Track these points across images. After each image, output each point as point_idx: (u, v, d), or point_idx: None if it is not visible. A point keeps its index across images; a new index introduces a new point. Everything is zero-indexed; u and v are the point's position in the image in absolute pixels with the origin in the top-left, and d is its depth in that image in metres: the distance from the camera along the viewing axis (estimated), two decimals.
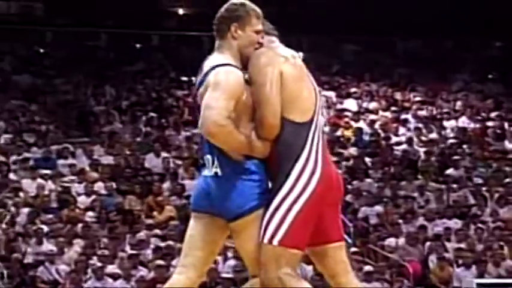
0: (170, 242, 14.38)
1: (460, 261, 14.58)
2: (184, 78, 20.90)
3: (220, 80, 4.33)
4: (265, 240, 4.26)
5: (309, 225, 4.30)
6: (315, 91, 4.36)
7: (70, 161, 16.47)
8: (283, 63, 4.27)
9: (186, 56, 21.44)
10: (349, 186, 16.76)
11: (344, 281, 4.44)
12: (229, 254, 14.28)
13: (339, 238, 4.47)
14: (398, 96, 20.67)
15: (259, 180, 4.26)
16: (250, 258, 4.46)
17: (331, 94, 20.42)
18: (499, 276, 13.86)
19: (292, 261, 4.29)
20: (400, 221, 15.81)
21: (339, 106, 20.07)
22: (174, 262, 14.01)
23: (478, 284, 8.24)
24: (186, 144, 17.78)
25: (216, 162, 4.31)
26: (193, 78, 21.28)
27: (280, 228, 4.24)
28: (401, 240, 15.21)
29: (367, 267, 14.11)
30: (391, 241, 15.20)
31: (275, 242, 4.24)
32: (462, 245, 15.06)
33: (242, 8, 4.47)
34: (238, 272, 13.86)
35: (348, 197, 16.54)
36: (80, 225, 14.73)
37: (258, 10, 4.52)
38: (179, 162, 16.99)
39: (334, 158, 17.67)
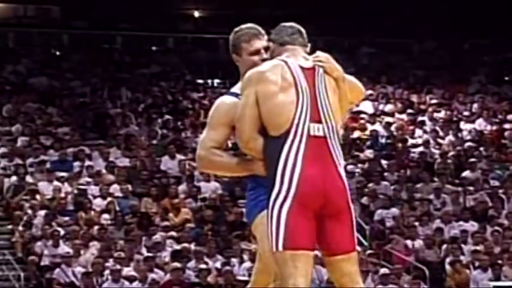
0: (186, 245, 14.40)
1: (477, 264, 14.53)
2: (200, 81, 20.93)
3: (209, 114, 4.76)
4: (273, 250, 4.40)
5: (303, 226, 4.36)
6: (300, 98, 4.45)
7: (86, 163, 16.51)
8: (258, 84, 4.52)
9: (201, 58, 21.48)
10: (365, 189, 16.74)
11: None
12: (245, 257, 14.28)
13: (344, 250, 4.42)
14: (414, 98, 20.62)
15: (254, 193, 4.68)
16: (263, 262, 4.68)
17: None
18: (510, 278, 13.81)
19: (302, 262, 4.35)
20: (417, 223, 15.77)
21: (355, 108, 20.02)
22: (189, 264, 14.04)
23: (495, 287, 8.22)
24: None
25: None
26: (208, 81, 21.37)
27: (279, 234, 4.37)
28: (418, 243, 15.17)
29: (383, 270, 14.08)
30: (407, 243, 15.16)
31: (280, 248, 4.37)
32: (479, 248, 15.00)
33: (234, 37, 4.84)
34: None
35: (364, 200, 16.52)
36: (96, 227, 14.76)
37: (252, 31, 4.79)
38: (195, 164, 16.99)
39: (350, 161, 17.73)
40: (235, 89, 4.78)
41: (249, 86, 4.55)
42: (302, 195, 4.34)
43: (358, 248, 4.63)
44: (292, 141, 4.39)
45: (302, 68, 4.51)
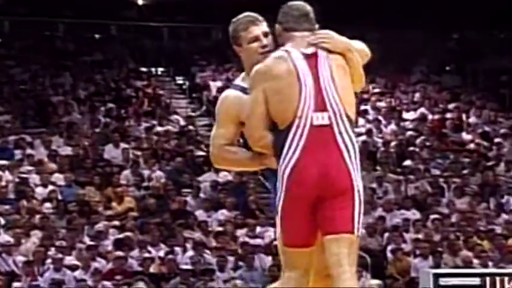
0: (129, 233, 14.34)
1: (418, 252, 14.71)
2: (144, 69, 20.82)
3: (216, 109, 4.79)
4: (278, 241, 4.55)
5: (296, 223, 4.39)
6: (303, 89, 4.41)
7: (28, 151, 16.33)
8: (266, 81, 4.48)
9: (145, 46, 21.36)
10: None
11: (333, 273, 4.37)
12: (189, 246, 14.27)
13: (337, 231, 4.36)
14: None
15: (269, 187, 4.82)
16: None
17: None
18: (456, 266, 14.00)
19: (294, 260, 4.45)
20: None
21: None
22: (132, 253, 13.98)
23: (435, 274, 8.36)
24: (146, 135, 17.71)
25: None
26: (152, 69, 21.27)
27: (281, 229, 4.46)
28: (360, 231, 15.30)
29: None
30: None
31: (281, 242, 4.49)
32: (420, 236, 15.18)
33: (232, 28, 4.75)
34: (197, 263, 13.86)
35: None
36: (37, 216, 14.61)
37: (248, 18, 4.70)
38: (139, 153, 16.92)
39: None
40: (238, 81, 4.80)
41: (257, 84, 4.51)
42: (293, 189, 4.34)
43: (356, 232, 4.41)
44: (294, 133, 4.38)
45: (305, 55, 4.44)
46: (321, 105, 4.38)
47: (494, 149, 18.73)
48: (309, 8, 4.63)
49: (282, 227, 4.43)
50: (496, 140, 19.06)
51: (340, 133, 4.38)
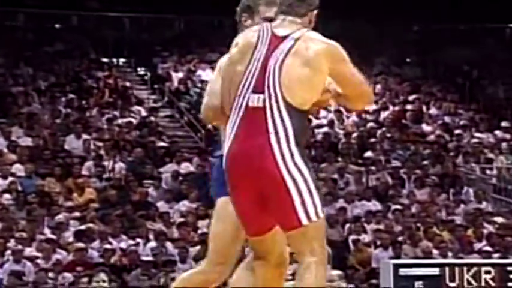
0: (90, 225, 14.26)
1: (378, 243, 14.80)
2: (105, 59, 20.69)
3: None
4: None
5: (240, 213, 4.29)
6: (250, 67, 4.26)
7: None
8: (231, 52, 4.40)
9: (106, 36, 21.22)
10: None
11: (298, 268, 4.22)
12: (151, 237, 14.24)
13: (284, 228, 4.19)
14: None
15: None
16: None
17: None
18: (416, 257, 14.11)
19: (253, 248, 4.40)
20: None
21: None
22: (93, 244, 13.92)
23: (395, 265, 8.43)
24: (107, 126, 17.62)
25: None
26: (113, 60, 21.14)
27: None
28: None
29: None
30: None
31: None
32: (380, 227, 15.28)
33: None
34: (158, 255, 13.83)
35: None
36: None
37: None
38: (100, 144, 16.83)
39: None
40: None
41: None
42: (228, 179, 4.23)
43: (306, 222, 4.16)
44: (233, 114, 4.22)
45: (274, 35, 4.23)
46: (259, 87, 4.16)
47: (454, 141, 18.90)
48: None
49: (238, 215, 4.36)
50: (456, 131, 19.23)
51: (272, 117, 4.13)
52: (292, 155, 4.14)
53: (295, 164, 4.16)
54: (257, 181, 4.14)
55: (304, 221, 4.14)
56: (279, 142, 4.13)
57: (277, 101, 4.15)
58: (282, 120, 4.14)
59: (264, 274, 4.40)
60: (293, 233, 4.16)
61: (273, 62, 4.19)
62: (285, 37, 4.25)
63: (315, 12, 4.48)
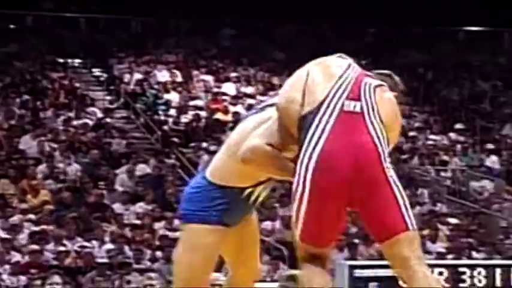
0: (44, 227, 14.15)
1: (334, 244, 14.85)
2: (60, 60, 20.53)
3: None
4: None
5: (321, 221, 4.03)
6: (341, 78, 4.34)
7: None
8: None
9: (61, 37, 21.07)
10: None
11: (406, 278, 4.05)
12: (106, 239, 14.17)
13: (392, 233, 3.99)
14: (275, 80, 20.85)
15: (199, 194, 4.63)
16: None
17: (209, 78, 20.45)
18: (371, 258, 14.20)
19: (313, 255, 4.15)
20: (277, 204, 16.00)
21: (217, 90, 20.12)
22: (48, 247, 13.81)
23: (350, 266, 8.47)
24: (62, 127, 17.49)
25: None
26: (69, 61, 21.00)
27: (298, 223, 4.13)
28: (278, 224, 15.40)
29: None
30: (267, 224, 15.36)
31: (299, 237, 4.17)
32: None
33: None
34: (114, 257, 13.76)
35: None
36: None
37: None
38: (55, 145, 16.71)
39: (212, 142, 17.82)
40: None
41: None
42: (320, 182, 3.99)
43: (411, 228, 4.01)
44: (319, 116, 4.09)
45: (360, 70, 4.33)
46: (355, 95, 4.14)
47: (409, 143, 19.05)
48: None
49: (307, 223, 4.08)
50: (411, 133, 19.39)
51: (372, 122, 4.09)
52: (389, 160, 4.11)
53: (391, 169, 4.11)
54: (361, 178, 3.98)
55: (411, 226, 4.03)
56: (381, 143, 4.08)
57: (373, 110, 4.13)
58: (380, 129, 4.11)
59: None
60: (399, 238, 4.00)
61: (365, 83, 4.23)
62: (370, 76, 4.34)
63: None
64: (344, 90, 4.15)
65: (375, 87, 4.24)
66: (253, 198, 4.51)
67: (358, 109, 4.09)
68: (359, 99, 4.13)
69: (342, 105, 4.10)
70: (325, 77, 4.22)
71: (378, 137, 4.08)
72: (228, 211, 4.46)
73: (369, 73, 4.37)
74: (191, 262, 4.42)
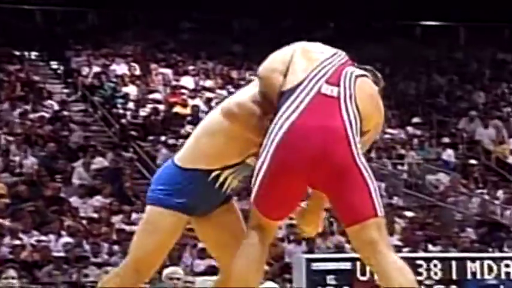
0: (0, 220, 14.02)
1: (292, 237, 14.92)
2: (16, 53, 20.34)
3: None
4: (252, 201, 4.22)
5: (275, 194, 4.06)
6: (323, 63, 4.37)
7: None
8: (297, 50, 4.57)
9: (18, 29, 20.86)
10: None
11: (374, 263, 4.05)
12: (63, 232, 14.08)
13: (359, 218, 4.02)
14: (234, 74, 20.86)
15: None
16: None
17: (168, 71, 20.39)
18: (328, 252, 14.28)
19: (259, 225, 4.15)
20: (235, 197, 16.01)
21: (175, 83, 20.08)
22: (4, 241, 13.69)
23: (307, 259, 8.54)
24: (19, 120, 17.34)
25: None
26: (25, 53, 20.79)
27: (258, 193, 4.13)
28: None
29: (201, 244, 14.22)
30: None
31: (255, 205, 4.17)
32: (294, 222, 15.38)
33: None
34: (71, 251, 13.69)
35: None
36: None
37: None
38: (11, 138, 16.56)
39: (170, 135, 17.78)
40: None
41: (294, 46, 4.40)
42: (287, 152, 4.00)
43: (380, 214, 4.07)
44: (295, 95, 4.12)
45: (345, 59, 4.33)
46: (334, 81, 4.17)
47: None
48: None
49: (260, 191, 4.10)
50: None
51: (346, 109, 4.11)
52: (359, 147, 4.11)
53: (362, 156, 4.12)
54: (327, 160, 3.99)
55: (379, 212, 4.07)
56: (352, 130, 4.07)
57: (350, 97, 4.14)
58: (354, 116, 4.12)
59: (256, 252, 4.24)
60: (367, 223, 4.02)
61: (346, 72, 4.24)
62: (354, 65, 4.36)
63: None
64: (324, 74, 4.18)
65: (357, 76, 4.27)
66: (219, 182, 4.41)
67: (335, 94, 4.11)
68: (338, 85, 4.15)
69: (320, 87, 4.13)
70: (309, 61, 4.25)
71: (350, 123, 4.08)
72: (191, 196, 4.38)
73: (354, 64, 4.40)
74: (144, 243, 4.43)
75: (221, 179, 4.41)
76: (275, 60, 4.34)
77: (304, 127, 4.02)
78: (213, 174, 4.39)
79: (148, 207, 4.49)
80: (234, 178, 4.47)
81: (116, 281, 4.54)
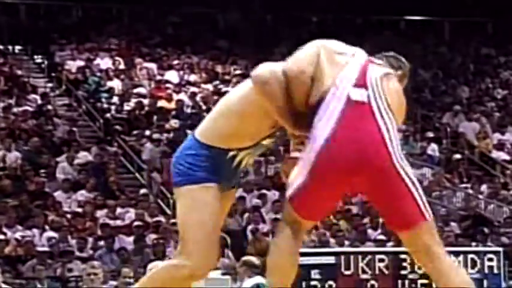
0: None
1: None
2: (0, 47, 20.25)
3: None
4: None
5: (314, 200, 4.12)
6: (348, 65, 4.35)
7: None
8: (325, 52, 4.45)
9: (1, 23, 20.77)
10: (170, 159, 16.85)
11: (431, 267, 4.09)
12: (47, 227, 14.04)
13: (404, 226, 4.05)
14: (219, 69, 20.84)
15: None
16: None
17: (153, 66, 20.35)
18: (313, 246, 14.29)
19: (295, 221, 4.19)
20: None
21: (160, 78, 20.03)
22: None
23: None
24: (3, 115, 17.27)
25: None
26: (9, 47, 20.70)
27: (298, 193, 4.17)
28: None
29: None
30: None
31: (291, 205, 4.20)
32: (279, 216, 15.41)
33: None
34: (55, 245, 13.65)
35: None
36: None
37: None
38: None
39: (155, 130, 17.74)
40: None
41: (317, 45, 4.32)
42: (330, 160, 4.03)
43: (429, 217, 4.12)
44: (326, 104, 4.11)
45: (368, 58, 4.34)
46: (361, 83, 4.16)
47: None
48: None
49: (300, 197, 4.14)
50: None
51: (380, 112, 4.10)
52: (399, 150, 4.11)
53: (403, 159, 4.10)
54: (367, 168, 4.02)
55: (427, 215, 4.09)
56: (388, 132, 4.08)
57: (381, 98, 4.14)
58: (388, 116, 4.12)
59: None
60: (417, 228, 4.05)
61: (371, 71, 4.24)
62: (378, 64, 4.36)
63: (400, 72, 4.47)
64: (350, 79, 4.17)
65: (382, 75, 4.27)
66: (236, 161, 4.42)
67: (365, 98, 4.11)
68: (365, 87, 4.15)
69: (349, 93, 4.13)
70: (334, 65, 4.23)
71: (386, 126, 4.10)
72: (217, 171, 4.38)
73: (375, 60, 4.41)
74: (199, 221, 4.28)
75: (238, 159, 4.44)
76: (303, 61, 4.26)
77: (341, 138, 4.05)
78: (230, 154, 4.41)
79: (183, 189, 4.37)
80: (250, 157, 4.51)
81: (184, 273, 4.29)
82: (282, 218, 4.32)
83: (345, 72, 4.20)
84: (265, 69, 4.29)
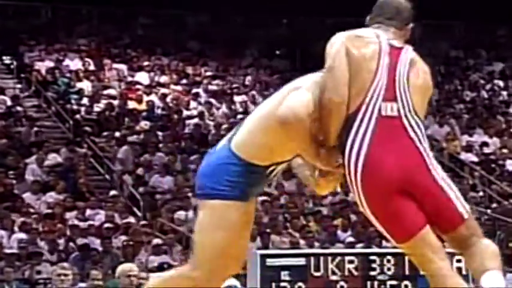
0: None
1: None
2: None
3: None
4: None
5: (401, 210, 4.20)
6: (377, 77, 4.29)
7: None
8: (352, 40, 4.58)
9: None
10: (141, 159, 16.80)
11: (469, 251, 4.31)
12: (16, 229, 13.95)
13: (447, 229, 4.28)
14: (189, 70, 20.82)
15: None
16: None
17: (123, 67, 20.29)
18: (283, 248, 14.31)
19: (433, 240, 4.38)
20: (190, 194, 16.00)
21: (130, 79, 19.98)
22: None
23: (262, 255, 8.57)
24: None
25: None
26: None
27: (394, 224, 4.34)
28: (191, 213, 15.40)
29: (156, 240, 14.19)
30: (180, 214, 15.35)
31: (406, 234, 4.31)
32: None
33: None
34: (24, 247, 13.56)
35: (139, 170, 16.56)
36: None
37: None
38: None
39: (125, 132, 17.69)
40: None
41: (345, 40, 4.40)
42: (380, 180, 4.12)
43: (466, 216, 4.30)
44: (361, 121, 4.16)
45: (391, 45, 4.31)
46: (390, 96, 4.20)
47: None
48: (404, 5, 4.55)
49: (392, 222, 4.21)
50: None
51: (410, 125, 4.20)
52: (432, 157, 4.24)
53: (437, 167, 4.25)
54: (408, 185, 4.13)
55: (465, 214, 4.25)
56: (421, 144, 4.20)
57: (410, 110, 4.22)
58: (419, 128, 4.23)
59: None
60: (458, 230, 4.26)
61: (400, 73, 4.25)
62: (400, 48, 4.34)
63: (410, 26, 4.52)
64: (380, 92, 4.20)
65: (408, 69, 4.28)
66: (272, 173, 4.36)
67: (395, 112, 4.18)
68: (395, 100, 4.20)
69: (379, 109, 4.18)
70: (362, 74, 4.22)
71: (418, 137, 4.20)
72: (250, 187, 4.26)
73: (395, 43, 4.35)
74: (216, 241, 4.17)
75: (275, 172, 4.38)
76: (341, 82, 4.20)
77: (377, 159, 4.12)
78: (270, 169, 4.32)
79: (209, 203, 4.22)
80: (282, 167, 4.45)
81: (182, 283, 4.23)
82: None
83: (375, 84, 4.21)
84: (289, 110, 4.16)
